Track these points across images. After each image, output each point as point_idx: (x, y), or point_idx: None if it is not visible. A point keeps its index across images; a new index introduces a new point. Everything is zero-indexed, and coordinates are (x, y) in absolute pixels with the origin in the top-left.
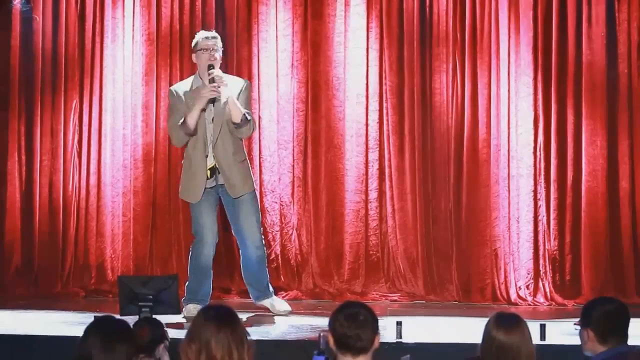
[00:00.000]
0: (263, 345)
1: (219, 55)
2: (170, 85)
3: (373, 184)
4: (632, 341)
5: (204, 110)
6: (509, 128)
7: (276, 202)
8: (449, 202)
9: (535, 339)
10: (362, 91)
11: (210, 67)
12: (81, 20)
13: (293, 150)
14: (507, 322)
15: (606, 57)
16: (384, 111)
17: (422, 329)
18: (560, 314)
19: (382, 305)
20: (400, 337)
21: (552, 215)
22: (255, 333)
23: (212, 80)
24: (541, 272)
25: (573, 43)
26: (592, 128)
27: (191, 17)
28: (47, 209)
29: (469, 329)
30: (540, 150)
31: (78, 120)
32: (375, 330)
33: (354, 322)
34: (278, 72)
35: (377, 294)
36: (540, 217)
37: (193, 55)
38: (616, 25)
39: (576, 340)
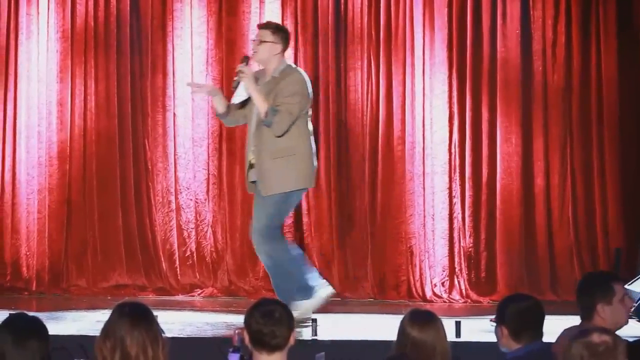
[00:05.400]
0: (178, 342)
1: (257, 46)
2: (85, 82)
3: None
4: (547, 338)
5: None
6: (423, 125)
7: (191, 199)
8: (364, 199)
9: (451, 336)
10: None
11: (245, 57)
12: None
13: (208, 147)
14: (422, 318)
15: (521, 54)
16: None
17: (338, 326)
18: (475, 310)
19: None
20: (316, 335)
21: (467, 213)
22: (170, 330)
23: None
24: (456, 269)
25: (488, 40)
26: (506, 125)
27: (106, 14)
28: None
29: (384, 326)
30: (455, 148)
31: None
32: (290, 327)
33: (269, 319)
34: (193, 69)
35: None
36: (455, 214)
37: None
38: (531, 23)
39: (492, 337)
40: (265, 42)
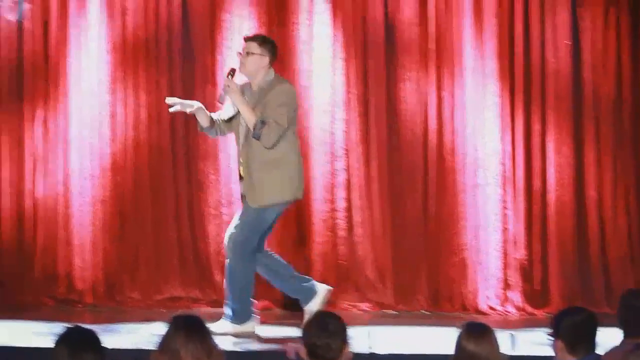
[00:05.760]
0: (233, 355)
1: (244, 58)
2: (136, 94)
3: (341, 193)
4: (601, 350)
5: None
6: (475, 137)
7: None
8: (417, 211)
9: (505, 349)
10: (328, 100)
11: (231, 70)
12: (45, 28)
13: None
14: (477, 332)
15: (571, 65)
16: (350, 120)
17: (392, 338)
18: (530, 323)
19: (352, 314)
20: (370, 347)
21: (520, 224)
22: (225, 343)
23: (224, 86)
24: (510, 281)
25: (537, 51)
26: (558, 137)
27: (156, 26)
28: (15, 218)
29: (438, 339)
30: (506, 159)
31: (44, 128)
32: (345, 339)
33: (324, 331)
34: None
35: (346, 304)
36: (508, 226)
37: None
38: (580, 33)
39: (547, 350)
40: (252, 54)
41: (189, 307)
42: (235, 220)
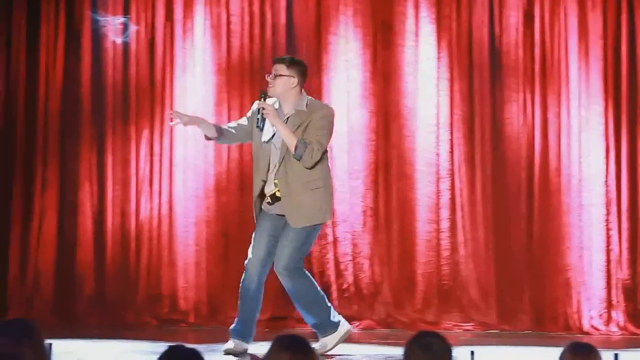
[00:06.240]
0: None
1: (273, 80)
2: (241, 115)
3: (444, 213)
4: None
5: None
6: (580, 158)
7: (348, 232)
8: (521, 231)
9: None
10: (432, 121)
11: (262, 93)
12: (151, 50)
13: (364, 179)
14: (582, 351)
15: None
16: (455, 141)
17: (496, 358)
18: (633, 343)
19: (455, 334)
20: None
21: (624, 245)
22: None
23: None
24: (614, 302)
25: None
26: None
27: (261, 48)
28: (119, 239)
29: (542, 359)
30: (611, 180)
31: (149, 149)
32: None
33: (428, 351)
34: (348, 102)
35: (449, 324)
36: (612, 247)
37: None
38: None
39: None
40: (280, 76)
41: (292, 327)
42: (265, 244)
